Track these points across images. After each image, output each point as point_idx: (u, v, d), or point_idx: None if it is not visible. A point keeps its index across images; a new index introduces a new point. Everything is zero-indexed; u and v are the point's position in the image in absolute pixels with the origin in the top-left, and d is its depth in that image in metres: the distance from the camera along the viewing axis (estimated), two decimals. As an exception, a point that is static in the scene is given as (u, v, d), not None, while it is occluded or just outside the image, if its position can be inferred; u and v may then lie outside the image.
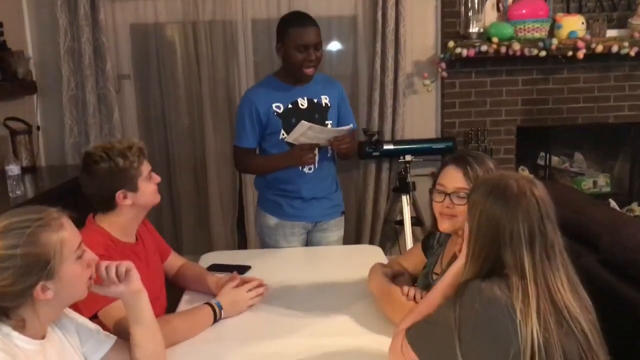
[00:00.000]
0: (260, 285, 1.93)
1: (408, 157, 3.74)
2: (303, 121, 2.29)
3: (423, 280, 1.87)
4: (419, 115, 4.00)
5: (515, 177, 1.36)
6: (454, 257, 1.64)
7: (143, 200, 1.80)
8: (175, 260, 2.11)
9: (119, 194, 1.75)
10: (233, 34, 3.89)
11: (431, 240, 1.93)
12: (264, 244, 2.54)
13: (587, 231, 1.90)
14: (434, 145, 3.84)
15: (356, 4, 3.88)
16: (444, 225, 1.70)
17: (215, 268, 2.22)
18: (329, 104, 2.48)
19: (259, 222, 2.57)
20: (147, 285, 1.54)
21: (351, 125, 2.39)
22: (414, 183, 3.76)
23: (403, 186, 3.77)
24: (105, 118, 3.80)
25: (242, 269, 2.21)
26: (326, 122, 2.46)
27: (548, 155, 4.07)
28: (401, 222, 3.93)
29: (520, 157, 4.05)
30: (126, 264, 1.42)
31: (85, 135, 3.78)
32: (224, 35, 3.91)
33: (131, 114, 3.99)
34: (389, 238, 4.09)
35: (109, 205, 1.78)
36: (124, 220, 1.80)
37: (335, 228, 2.58)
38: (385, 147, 3.74)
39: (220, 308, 1.82)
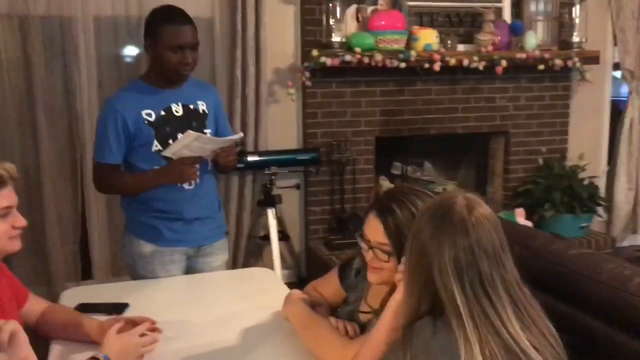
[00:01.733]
0: (153, 328, 1.62)
1: (273, 169, 3.58)
2: (190, 131, 2.01)
3: (347, 320, 1.68)
4: (281, 126, 3.86)
5: (458, 198, 1.20)
6: (387, 296, 1.49)
7: None
8: (36, 305, 1.70)
9: None
10: (72, 32, 3.41)
11: (347, 270, 1.71)
12: (136, 275, 2.19)
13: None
14: (299, 156, 3.73)
15: (213, 6, 3.62)
16: (371, 278, 1.51)
17: (84, 309, 1.84)
18: (206, 111, 2.23)
19: (129, 251, 2.21)
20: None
21: (241, 134, 2.16)
22: (280, 196, 3.60)
23: (268, 199, 3.60)
24: None
25: (119, 308, 1.87)
26: (205, 130, 2.20)
27: (404, 165, 4.17)
28: (265, 237, 3.75)
29: (379, 168, 4.09)
30: (10, 326, 1.07)
31: None
32: (61, 33, 3.44)
33: (-58, 122, 3.32)
34: (253, 254, 3.88)
35: None
36: None
37: (220, 251, 2.31)
38: (250, 158, 3.55)
39: (108, 361, 1.48)
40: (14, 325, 1.10)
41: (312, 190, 3.92)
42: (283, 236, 3.77)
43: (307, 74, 3.60)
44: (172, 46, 2.04)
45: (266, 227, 3.84)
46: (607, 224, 4.55)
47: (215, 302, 1.95)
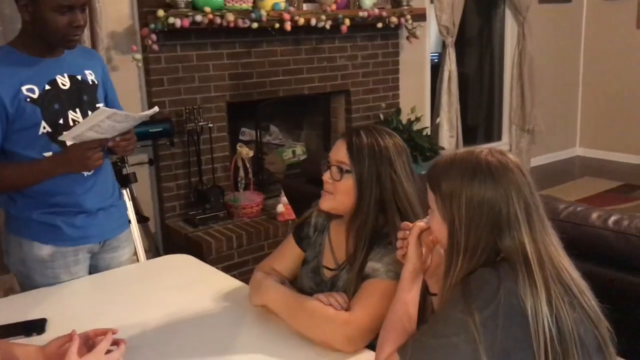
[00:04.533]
0: (116, 341, 1.34)
1: (124, 145, 3.21)
2: (102, 107, 1.68)
3: (312, 277, 1.59)
4: (122, 96, 3.37)
5: (485, 151, 1.21)
6: (351, 246, 1.48)
7: None
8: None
9: None
10: None
11: (305, 229, 1.66)
12: (32, 284, 1.79)
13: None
14: (151, 129, 3.37)
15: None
16: (323, 204, 1.53)
17: (-8, 335, 1.48)
18: (96, 81, 1.90)
19: (17, 257, 1.80)
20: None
21: (157, 108, 1.86)
22: (134, 174, 3.25)
23: (122, 179, 3.22)
24: None
25: (38, 325, 1.53)
26: (97, 105, 1.87)
27: (257, 130, 4.05)
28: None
29: (231, 135, 3.92)
30: None
31: None
32: None
33: None
34: (107, 242, 3.48)
35: None
36: None
37: (126, 244, 2.00)
38: (97, 135, 3.13)
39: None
40: None
41: (165, 164, 3.62)
42: (141, 218, 3.43)
43: (154, 36, 3.26)
44: (60, 6, 1.66)
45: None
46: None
47: (149, 298, 1.69)
